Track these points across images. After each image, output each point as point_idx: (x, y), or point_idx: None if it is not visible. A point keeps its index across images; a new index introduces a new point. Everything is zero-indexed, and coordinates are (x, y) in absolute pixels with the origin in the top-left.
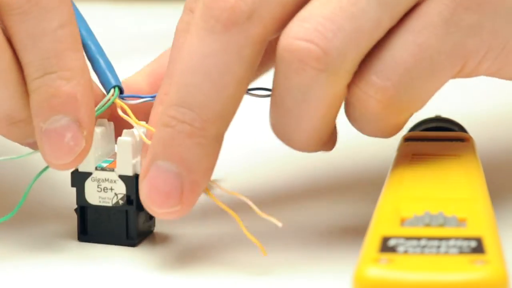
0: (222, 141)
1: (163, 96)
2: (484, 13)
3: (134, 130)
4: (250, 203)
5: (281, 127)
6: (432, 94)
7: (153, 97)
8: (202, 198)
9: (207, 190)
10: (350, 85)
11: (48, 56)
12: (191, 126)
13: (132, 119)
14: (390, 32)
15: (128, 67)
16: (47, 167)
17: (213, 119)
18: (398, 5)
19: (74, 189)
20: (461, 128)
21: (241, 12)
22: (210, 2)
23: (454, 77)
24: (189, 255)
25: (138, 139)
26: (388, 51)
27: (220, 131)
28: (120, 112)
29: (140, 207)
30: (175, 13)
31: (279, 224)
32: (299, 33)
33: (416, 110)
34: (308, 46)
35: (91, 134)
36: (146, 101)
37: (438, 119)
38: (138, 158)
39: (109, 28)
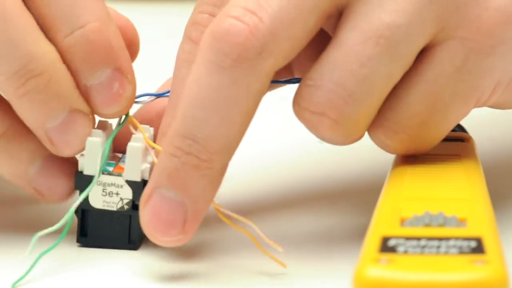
0: (226, 172)
1: (166, 128)
2: (496, 53)
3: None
4: (256, 228)
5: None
6: (447, 133)
7: (161, 95)
8: None
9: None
10: (369, 130)
11: (72, 9)
12: (197, 158)
13: (143, 136)
14: (403, 80)
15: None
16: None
17: (220, 152)
18: (407, 54)
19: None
20: (461, 128)
21: (253, 48)
22: (219, 35)
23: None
24: (189, 258)
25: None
26: (402, 102)
27: (225, 162)
28: (131, 129)
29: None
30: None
31: (280, 249)
32: (311, 105)
33: (431, 147)
34: (321, 119)
35: (133, 76)
36: (158, 97)
37: None
38: (147, 164)
39: None
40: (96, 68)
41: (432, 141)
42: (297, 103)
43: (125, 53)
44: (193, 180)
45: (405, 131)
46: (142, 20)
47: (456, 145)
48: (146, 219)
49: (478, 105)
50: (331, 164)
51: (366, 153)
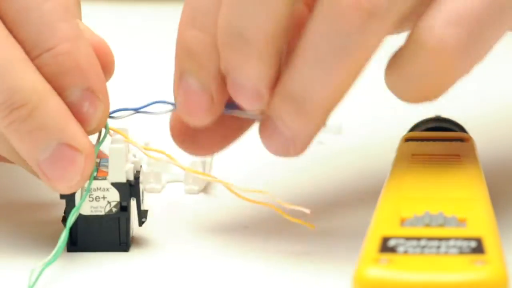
0: (286, 48)
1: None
2: None
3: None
4: (274, 196)
5: (303, 88)
6: (494, 45)
7: (138, 109)
8: (192, 200)
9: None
10: (412, 35)
11: (40, 31)
12: (244, 54)
13: (133, 144)
14: None
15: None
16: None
17: (267, 41)
18: None
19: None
20: (461, 128)
21: None
22: None
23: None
24: (181, 257)
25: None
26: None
27: (277, 47)
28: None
29: (130, 212)
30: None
31: (307, 211)
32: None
33: (481, 60)
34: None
35: (106, 95)
36: (136, 112)
37: (438, 119)
38: (130, 164)
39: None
40: (64, 88)
41: (483, 52)
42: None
43: (97, 73)
44: (251, 67)
45: (463, 25)
46: (140, 20)
47: (456, 145)
48: (181, 99)
49: None
50: (331, 164)
51: (367, 153)
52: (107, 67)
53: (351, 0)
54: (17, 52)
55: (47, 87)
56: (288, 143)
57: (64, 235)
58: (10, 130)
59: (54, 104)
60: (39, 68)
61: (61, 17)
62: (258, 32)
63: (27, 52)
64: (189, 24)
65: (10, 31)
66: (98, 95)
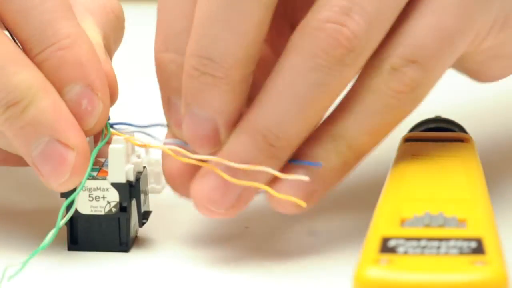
0: (251, 80)
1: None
2: None
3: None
4: (269, 170)
5: (277, 115)
6: (446, 69)
7: (139, 126)
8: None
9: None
10: (367, 68)
11: (42, 29)
12: (213, 76)
13: (134, 143)
14: (408, 11)
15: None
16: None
17: (236, 66)
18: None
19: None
20: (461, 129)
21: None
22: None
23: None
24: (181, 257)
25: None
26: (413, 35)
27: (245, 74)
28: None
29: (131, 212)
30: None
31: (306, 178)
32: (330, 16)
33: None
34: (340, 28)
35: (106, 94)
36: (133, 132)
37: (438, 119)
38: (130, 165)
39: None
40: (64, 84)
41: (433, 82)
42: (314, 16)
43: (97, 71)
44: (215, 97)
45: (416, 60)
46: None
47: (456, 145)
48: (186, 134)
49: (473, 45)
50: None
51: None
52: (110, 97)
53: (330, 38)
54: (13, 50)
55: (44, 84)
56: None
57: (54, 231)
58: (6, 127)
59: (48, 101)
60: (39, 64)
61: (62, 15)
62: (227, 56)
63: (29, 50)
64: (163, 46)
65: (11, 30)
66: (97, 93)
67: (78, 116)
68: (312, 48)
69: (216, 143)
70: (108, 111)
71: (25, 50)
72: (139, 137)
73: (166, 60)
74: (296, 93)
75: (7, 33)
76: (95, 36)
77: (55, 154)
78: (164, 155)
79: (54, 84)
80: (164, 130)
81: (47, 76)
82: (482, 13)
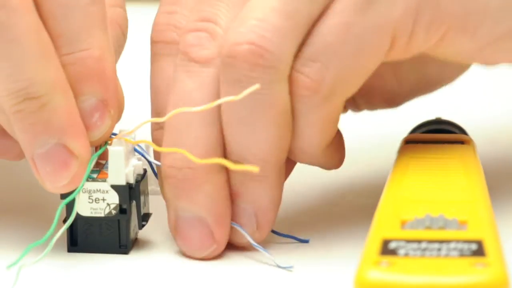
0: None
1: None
2: None
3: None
4: (223, 161)
5: (238, 142)
6: (363, 76)
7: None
8: None
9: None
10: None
11: (79, 31)
12: (192, 169)
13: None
14: (320, 17)
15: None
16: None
17: (206, 153)
18: None
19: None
20: (461, 131)
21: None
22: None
23: (387, 57)
24: (180, 259)
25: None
26: (317, 36)
27: (213, 167)
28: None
29: (131, 215)
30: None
31: (256, 169)
32: (238, 39)
33: (348, 94)
34: (250, 47)
35: (118, 114)
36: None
37: (438, 121)
38: (130, 167)
39: None
40: (83, 92)
41: (344, 86)
42: (226, 42)
43: (115, 88)
44: (199, 193)
45: (319, 60)
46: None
47: (456, 147)
48: (180, 245)
49: (402, 47)
50: None
51: (367, 155)
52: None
53: (245, 62)
54: (47, 46)
55: (66, 87)
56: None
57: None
58: (16, 118)
59: (65, 105)
60: (64, 66)
61: (101, 25)
62: (264, 157)
63: (58, 47)
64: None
65: (46, 22)
66: (110, 110)
67: (87, 127)
68: (232, 79)
69: (211, 243)
70: (113, 128)
71: (55, 46)
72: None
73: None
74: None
75: None
76: None
77: (59, 158)
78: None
79: (73, 89)
80: None
81: (69, 79)
82: (391, 9)
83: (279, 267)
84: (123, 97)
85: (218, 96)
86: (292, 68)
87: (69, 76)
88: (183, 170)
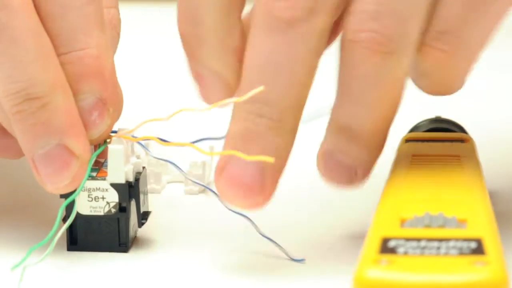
0: (297, 129)
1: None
2: None
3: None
4: (236, 152)
5: (349, 119)
6: (491, 32)
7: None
8: (192, 201)
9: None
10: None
11: (76, 31)
12: (269, 119)
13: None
14: None
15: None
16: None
17: (290, 110)
18: None
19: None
20: (461, 129)
21: (303, 8)
22: (267, 3)
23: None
24: (180, 258)
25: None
26: (444, 7)
27: (297, 120)
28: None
29: (130, 213)
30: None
31: (271, 160)
32: (360, 25)
33: (481, 50)
34: (371, 35)
35: (117, 112)
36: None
37: (438, 120)
38: (130, 165)
39: None
40: (82, 91)
41: (477, 45)
42: (348, 29)
43: (114, 86)
44: (268, 142)
45: (449, 30)
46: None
47: (456, 145)
48: (224, 187)
49: None
50: None
51: None
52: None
53: (364, 49)
54: (47, 47)
55: (66, 87)
56: (350, 172)
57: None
58: (16, 118)
59: (65, 105)
60: (63, 65)
61: (98, 24)
62: (282, 100)
63: (56, 47)
64: (183, 19)
65: (45, 22)
66: (109, 108)
67: (85, 125)
68: (352, 61)
69: (258, 194)
70: (112, 127)
71: (53, 46)
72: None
73: (187, 34)
74: (359, 91)
75: None
76: None
77: (60, 159)
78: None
79: (72, 88)
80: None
81: (68, 79)
82: None
83: (293, 260)
84: (122, 96)
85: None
86: (423, 43)
87: (67, 75)
88: (263, 119)
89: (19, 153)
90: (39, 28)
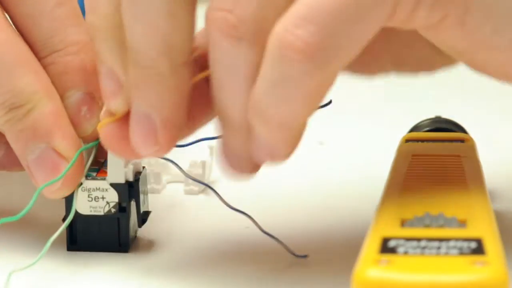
0: (186, 71)
1: None
2: None
3: None
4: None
5: (218, 102)
6: (361, 43)
7: None
8: (192, 201)
9: None
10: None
11: (51, 35)
12: (142, 67)
13: None
14: None
15: None
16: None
17: (158, 54)
18: None
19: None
20: (461, 129)
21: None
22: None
23: (386, 23)
24: (180, 258)
25: None
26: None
27: (173, 63)
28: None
29: (130, 213)
30: None
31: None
32: (218, 4)
33: (344, 62)
34: (225, 15)
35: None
36: None
37: (438, 119)
38: (130, 165)
39: None
40: (67, 89)
41: (342, 52)
42: (209, 7)
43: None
44: (147, 89)
45: (314, 22)
46: None
47: (456, 145)
48: (131, 136)
49: (402, 16)
50: (331, 165)
51: (366, 154)
52: None
53: (217, 28)
54: (23, 54)
55: (49, 90)
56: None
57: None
58: (7, 127)
59: (50, 108)
60: (46, 67)
61: (71, 23)
62: (148, 47)
63: (37, 52)
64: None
65: (21, 32)
66: (98, 101)
67: (76, 121)
68: (211, 38)
69: (153, 144)
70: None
71: (33, 52)
72: None
73: (90, 24)
74: (218, 79)
75: None
76: None
77: (49, 162)
78: (103, 125)
79: (57, 88)
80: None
81: (52, 80)
82: None
83: (295, 255)
84: None
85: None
86: (280, 28)
87: (51, 76)
88: (137, 68)
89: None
90: (14, 38)
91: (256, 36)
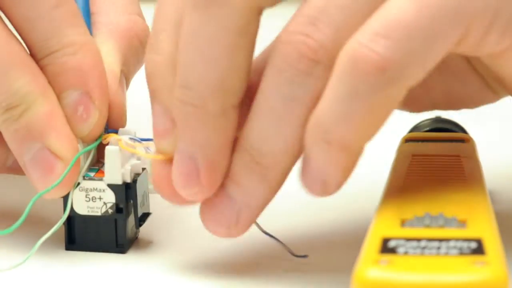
0: (235, 114)
1: None
2: None
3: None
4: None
5: (258, 132)
6: (431, 63)
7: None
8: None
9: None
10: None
11: (48, 37)
12: (192, 105)
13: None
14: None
15: None
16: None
17: (211, 93)
18: None
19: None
20: (461, 129)
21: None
22: None
23: (457, 47)
24: (179, 259)
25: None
26: (387, 10)
27: (225, 104)
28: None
29: (128, 214)
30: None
31: (161, 157)
32: (296, 27)
33: (412, 81)
34: (304, 39)
35: (104, 104)
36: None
37: (438, 120)
38: (128, 166)
39: None
40: (63, 89)
41: (413, 69)
42: (285, 29)
43: (99, 80)
44: (194, 129)
45: (389, 36)
46: None
47: (456, 145)
48: (172, 175)
49: (473, 40)
50: None
51: (367, 154)
52: (116, 120)
53: (295, 50)
54: (20, 54)
55: (45, 90)
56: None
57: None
58: (3, 127)
59: (45, 108)
60: (43, 68)
61: (69, 24)
62: (201, 84)
63: (34, 55)
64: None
65: (20, 34)
66: (94, 101)
67: (73, 122)
68: (280, 62)
69: (195, 184)
70: (104, 120)
71: (31, 54)
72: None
73: (149, 61)
74: (271, 108)
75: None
76: (112, 62)
77: (44, 162)
78: (154, 164)
79: (54, 89)
80: None
81: (49, 80)
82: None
83: (295, 255)
84: (121, 105)
85: None
86: (353, 43)
87: (48, 77)
88: (186, 105)
89: None
90: (10, 39)
91: (333, 60)
